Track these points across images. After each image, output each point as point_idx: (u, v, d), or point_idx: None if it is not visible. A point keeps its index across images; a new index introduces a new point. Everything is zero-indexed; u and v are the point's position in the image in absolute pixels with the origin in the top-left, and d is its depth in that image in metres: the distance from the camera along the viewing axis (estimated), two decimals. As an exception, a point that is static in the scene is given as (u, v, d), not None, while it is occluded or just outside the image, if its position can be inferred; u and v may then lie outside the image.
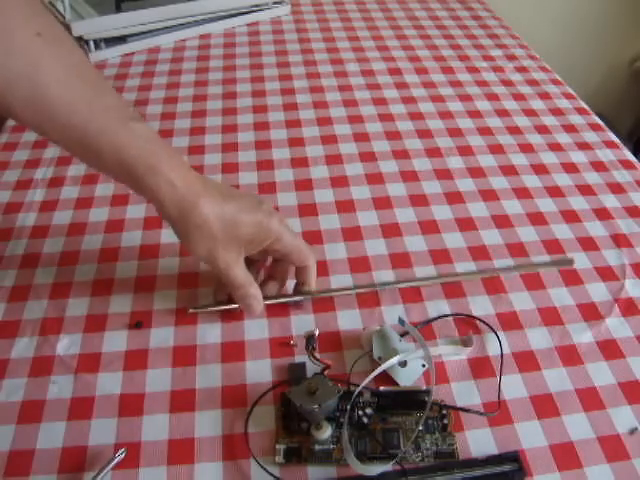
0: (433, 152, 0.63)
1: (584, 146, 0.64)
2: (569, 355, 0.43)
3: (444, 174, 0.60)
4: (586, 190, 0.58)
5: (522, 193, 0.58)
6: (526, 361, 0.43)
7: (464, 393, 0.41)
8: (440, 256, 0.51)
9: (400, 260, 0.51)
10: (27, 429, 0.39)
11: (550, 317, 0.46)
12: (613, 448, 0.38)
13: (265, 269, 0.48)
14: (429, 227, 0.54)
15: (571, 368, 0.43)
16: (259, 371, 0.43)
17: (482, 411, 0.40)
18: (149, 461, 0.38)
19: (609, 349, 0.44)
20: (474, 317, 0.46)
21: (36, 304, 0.47)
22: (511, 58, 0.81)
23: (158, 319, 0.46)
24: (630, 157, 0.63)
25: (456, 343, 0.44)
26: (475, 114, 0.69)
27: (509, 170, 0.61)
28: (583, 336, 0.45)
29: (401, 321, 0.43)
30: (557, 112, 0.70)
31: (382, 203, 0.57)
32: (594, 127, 0.68)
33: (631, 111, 1.52)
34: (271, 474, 0.36)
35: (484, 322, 0.45)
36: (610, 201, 0.57)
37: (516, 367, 0.43)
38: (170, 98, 0.72)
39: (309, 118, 0.69)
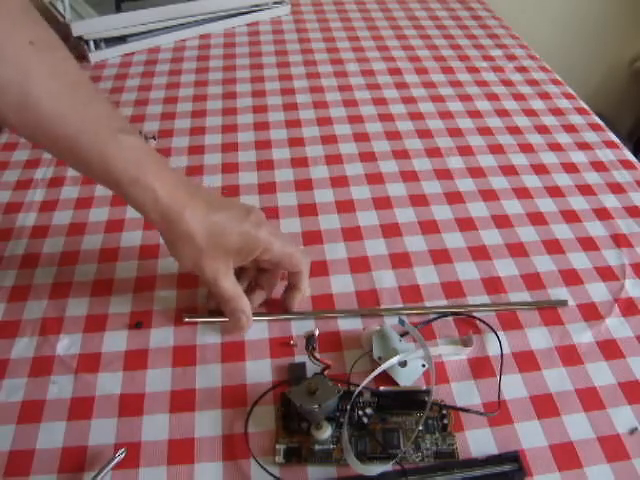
0: (433, 152, 0.63)
1: (584, 146, 0.64)
2: (569, 355, 0.43)
3: (444, 174, 0.60)
4: (586, 190, 0.58)
5: (522, 193, 0.58)
6: (526, 361, 0.43)
7: (464, 393, 0.41)
8: (440, 256, 0.51)
9: (400, 260, 0.51)
10: (27, 429, 0.39)
11: (550, 317, 0.46)
12: (613, 448, 0.38)
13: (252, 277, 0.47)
14: (429, 227, 0.54)
15: (571, 368, 0.43)
16: (259, 371, 0.43)
17: (482, 411, 0.40)
18: (149, 461, 0.38)
19: (609, 349, 0.44)
20: (474, 317, 0.46)
21: (36, 304, 0.47)
22: (511, 58, 0.81)
23: (158, 319, 0.46)
24: (630, 157, 0.63)
25: (456, 343, 0.44)
26: (475, 114, 0.69)
27: (509, 170, 0.61)
28: (583, 336, 0.45)
29: (401, 321, 0.43)
30: (557, 112, 0.70)
31: (382, 203, 0.57)
32: (594, 127, 0.68)
33: (631, 111, 1.52)
34: (271, 474, 0.36)
35: (484, 322, 0.45)
36: (610, 201, 0.57)
37: (516, 367, 0.43)
38: (170, 98, 0.72)
39: (309, 118, 0.69)
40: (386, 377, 0.41)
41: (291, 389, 0.38)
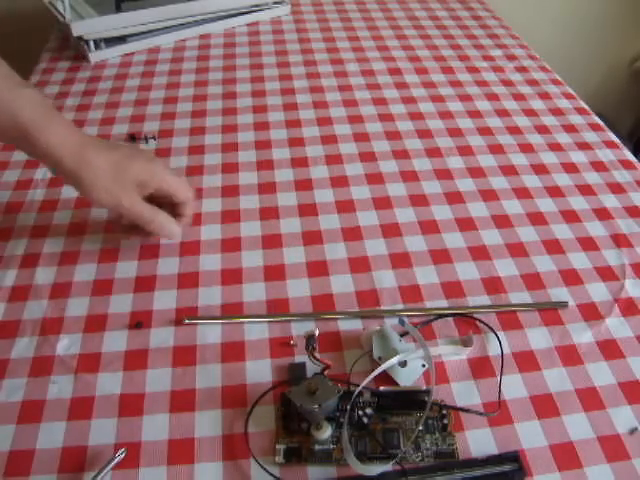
0: (433, 152, 0.63)
1: (584, 146, 0.64)
2: (569, 355, 0.43)
3: (444, 174, 0.60)
4: (586, 190, 0.58)
5: (522, 193, 0.58)
6: (526, 361, 0.43)
7: (464, 393, 0.41)
8: (440, 256, 0.51)
9: (400, 260, 0.51)
10: (27, 429, 0.39)
11: (550, 317, 0.46)
12: (613, 448, 0.38)
13: None
14: (429, 227, 0.54)
15: (571, 368, 0.43)
16: (259, 371, 0.43)
17: (482, 411, 0.40)
18: (149, 461, 0.38)
19: (609, 349, 0.44)
20: (474, 317, 0.46)
21: (36, 304, 0.47)
22: (511, 58, 0.82)
23: (158, 319, 0.46)
24: (630, 157, 0.63)
25: (456, 343, 0.44)
26: (475, 114, 0.69)
27: (509, 170, 0.61)
28: (583, 336, 0.45)
29: (401, 321, 0.43)
30: (557, 112, 0.70)
31: (382, 203, 0.57)
32: (594, 127, 0.68)
33: (631, 111, 1.52)
34: (271, 474, 0.36)
35: (484, 322, 0.45)
36: (610, 201, 0.57)
37: (516, 367, 0.43)
38: (170, 98, 0.72)
39: (309, 118, 0.69)
40: (386, 377, 0.41)
41: (291, 389, 0.38)
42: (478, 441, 0.38)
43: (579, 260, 0.51)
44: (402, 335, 0.44)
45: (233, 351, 0.44)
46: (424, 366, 0.42)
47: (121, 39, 0.82)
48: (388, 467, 0.36)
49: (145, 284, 0.49)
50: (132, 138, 0.65)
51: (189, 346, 0.44)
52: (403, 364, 0.42)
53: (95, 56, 0.80)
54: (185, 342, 0.45)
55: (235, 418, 0.40)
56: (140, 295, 0.48)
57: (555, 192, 0.58)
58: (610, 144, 0.65)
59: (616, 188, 0.59)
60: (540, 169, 0.61)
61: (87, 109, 0.71)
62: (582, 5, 1.33)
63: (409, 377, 0.41)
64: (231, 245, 0.52)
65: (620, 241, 0.53)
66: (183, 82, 0.76)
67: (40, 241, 0.53)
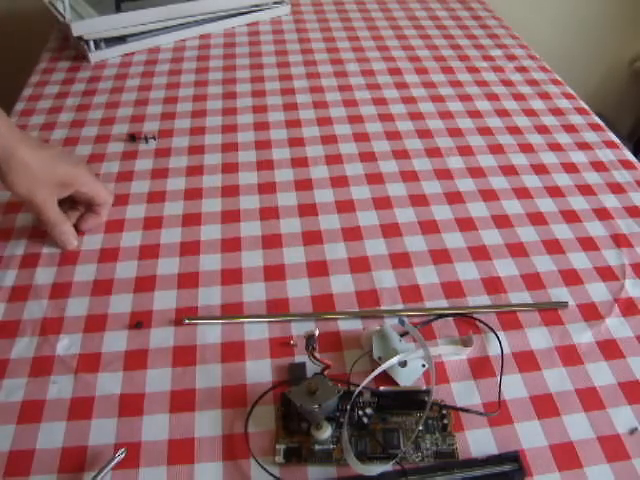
0: (433, 152, 0.63)
1: (584, 146, 0.64)
2: (569, 355, 0.43)
3: (444, 174, 0.60)
4: (586, 190, 0.58)
5: (522, 193, 0.58)
6: (526, 361, 0.43)
7: (464, 393, 0.41)
8: (440, 256, 0.51)
9: (400, 260, 0.51)
10: (27, 429, 0.39)
11: (550, 317, 0.46)
12: (613, 448, 0.38)
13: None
14: (429, 227, 0.54)
15: (571, 368, 0.43)
16: (259, 371, 0.43)
17: (482, 411, 0.40)
18: (149, 461, 0.38)
19: (609, 349, 0.44)
20: (474, 317, 0.46)
21: (36, 304, 0.47)
22: (511, 58, 0.82)
23: (158, 319, 0.46)
24: (630, 157, 0.63)
25: (456, 343, 0.44)
26: (475, 114, 0.69)
27: (509, 170, 0.61)
28: (583, 336, 0.45)
29: (401, 321, 0.43)
30: (557, 112, 0.70)
31: (382, 203, 0.57)
32: (594, 127, 0.68)
33: (631, 111, 1.52)
34: (271, 474, 0.36)
35: (484, 322, 0.45)
36: (610, 201, 0.57)
37: (516, 367, 0.43)
38: (170, 98, 0.72)
39: (309, 118, 0.69)
40: (386, 377, 0.41)
41: (291, 389, 0.38)
42: (478, 441, 0.38)
43: (579, 260, 0.51)
44: (402, 335, 0.44)
45: (233, 351, 0.44)
46: (424, 366, 0.42)
47: (121, 39, 0.82)
48: (388, 467, 0.36)
49: (145, 284, 0.49)
50: (132, 138, 0.65)
51: (189, 346, 0.44)
52: (403, 364, 0.42)
53: (95, 56, 0.80)
54: (185, 342, 0.45)
55: (235, 418, 0.40)
56: (140, 295, 0.48)
57: (555, 192, 0.58)
58: (610, 144, 0.65)
59: (616, 188, 0.59)
60: (540, 169, 0.61)
61: (87, 109, 0.71)
62: (582, 5, 1.33)
63: (409, 377, 0.41)
64: (231, 245, 0.52)
65: (620, 241, 0.53)
66: (183, 82, 0.76)
67: (40, 241, 0.53)
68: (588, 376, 0.42)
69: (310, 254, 0.51)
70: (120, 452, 0.37)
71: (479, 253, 0.51)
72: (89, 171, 0.51)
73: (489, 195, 0.58)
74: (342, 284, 0.49)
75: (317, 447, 0.38)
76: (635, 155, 0.64)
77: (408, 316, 0.46)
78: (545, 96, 0.73)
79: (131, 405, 0.40)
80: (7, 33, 1.13)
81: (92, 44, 0.79)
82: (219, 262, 0.51)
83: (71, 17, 0.78)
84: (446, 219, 0.55)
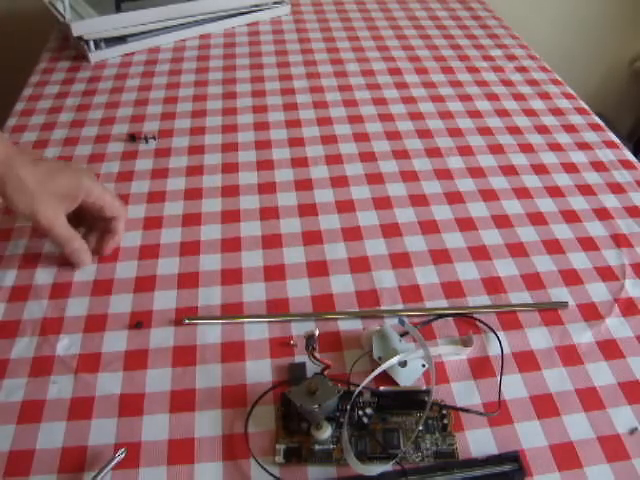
0: (433, 152, 0.63)
1: (584, 146, 0.64)
2: (569, 355, 0.43)
3: (444, 174, 0.60)
4: (586, 190, 0.58)
5: (522, 193, 0.58)
6: (526, 361, 0.43)
7: (464, 393, 0.41)
8: (440, 256, 0.51)
9: (400, 260, 0.51)
10: (27, 429, 0.39)
11: (550, 317, 0.46)
12: (613, 448, 0.38)
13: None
14: (429, 227, 0.54)
15: (571, 368, 0.43)
16: (259, 371, 0.43)
17: (482, 411, 0.40)
18: (149, 461, 0.38)
19: (609, 349, 0.44)
20: (474, 317, 0.46)
21: (36, 304, 0.47)
22: (511, 58, 0.82)
23: (158, 319, 0.46)
24: (630, 157, 0.63)
25: (456, 343, 0.44)
26: (475, 114, 0.69)
27: (509, 170, 0.61)
28: (583, 336, 0.45)
29: (401, 321, 0.43)
30: (557, 112, 0.70)
31: (382, 203, 0.57)
32: (594, 127, 0.68)
33: (631, 111, 1.52)
34: (271, 474, 0.36)
35: (484, 322, 0.45)
36: (610, 201, 0.57)
37: (516, 367, 0.43)
38: (170, 98, 0.72)
39: (309, 118, 0.69)
40: (386, 377, 0.41)
41: (291, 389, 0.38)
42: (478, 441, 0.38)
43: (579, 260, 0.51)
44: (402, 335, 0.44)
45: (233, 351, 0.44)
46: (424, 366, 0.42)
47: (121, 39, 0.82)
48: (388, 467, 0.36)
49: (145, 284, 0.49)
50: (132, 138, 0.65)
51: (189, 346, 0.44)
52: (403, 364, 0.42)
53: (95, 56, 0.80)
54: (185, 342, 0.45)
55: (235, 418, 0.40)
56: (140, 295, 0.48)
57: (555, 192, 0.58)
58: (610, 144, 0.65)
59: (616, 188, 0.59)
60: (540, 169, 0.61)
61: (87, 109, 0.71)
62: (582, 5, 1.33)
63: (409, 377, 0.41)
64: (231, 245, 0.52)
65: (620, 241, 0.53)
66: (183, 82, 0.76)
67: (40, 241, 0.53)
68: (588, 376, 0.42)
69: (310, 254, 0.51)
70: (120, 452, 0.37)
71: (479, 253, 0.51)
72: (93, 180, 0.49)
73: (489, 195, 0.58)
74: (342, 284, 0.49)
75: (317, 447, 0.38)
76: (635, 155, 0.64)
77: (408, 316, 0.46)
78: (545, 96, 0.73)
79: (131, 405, 0.40)
80: (7, 33, 1.13)
81: (92, 44, 0.79)
82: (219, 262, 0.51)
83: (71, 17, 0.78)
84: (446, 219, 0.55)
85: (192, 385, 0.42)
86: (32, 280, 0.49)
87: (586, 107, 0.71)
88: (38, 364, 0.43)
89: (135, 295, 0.48)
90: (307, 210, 0.56)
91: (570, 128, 0.67)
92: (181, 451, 0.38)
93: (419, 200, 0.57)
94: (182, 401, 0.41)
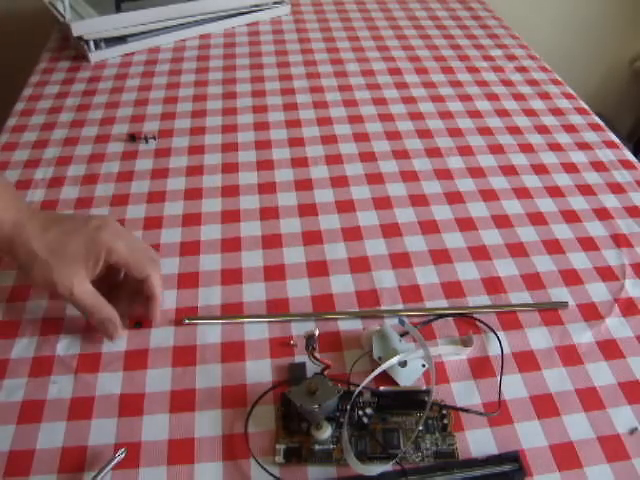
0: (433, 152, 0.63)
1: (584, 146, 0.64)
2: (569, 355, 0.43)
3: (444, 174, 0.60)
4: (586, 190, 0.58)
5: (522, 193, 0.58)
6: (526, 361, 0.43)
7: (464, 393, 0.41)
8: (440, 256, 0.51)
9: (400, 260, 0.51)
10: (27, 429, 0.39)
11: (550, 317, 0.46)
12: (613, 448, 0.38)
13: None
14: (429, 227, 0.54)
15: (571, 368, 0.43)
16: (259, 371, 0.43)
17: (482, 411, 0.40)
18: (149, 461, 0.38)
19: (609, 349, 0.44)
20: (474, 317, 0.46)
21: (36, 304, 0.47)
22: (511, 58, 0.81)
23: (158, 319, 0.46)
24: (630, 157, 0.63)
25: (456, 343, 0.44)
26: (475, 114, 0.69)
27: (509, 170, 0.61)
28: (583, 336, 0.45)
29: (401, 321, 0.43)
30: (557, 112, 0.70)
31: (382, 203, 0.57)
32: (594, 127, 0.68)
33: (631, 111, 1.52)
34: (271, 474, 0.36)
35: (484, 322, 0.45)
36: (610, 201, 0.57)
37: (516, 367, 0.43)
38: (170, 98, 0.72)
39: (309, 118, 0.69)
40: (386, 377, 0.41)
41: (291, 389, 0.38)
42: (478, 441, 0.38)
43: (579, 260, 0.51)
44: (402, 335, 0.44)
45: (233, 351, 0.44)
46: (424, 366, 0.42)
47: (121, 39, 0.82)
48: (388, 467, 0.36)
49: (145, 284, 0.49)
50: (132, 138, 0.65)
51: (189, 346, 0.44)
52: (403, 364, 0.42)
53: (95, 56, 0.80)
54: (185, 342, 0.45)
55: (235, 418, 0.40)
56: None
57: (555, 192, 0.58)
58: (610, 144, 0.65)
59: (616, 188, 0.59)
60: (540, 169, 0.61)
61: (87, 109, 0.71)
62: (582, 5, 1.33)
63: (409, 377, 0.41)
64: (231, 245, 0.52)
65: (620, 241, 0.53)
66: (183, 82, 0.76)
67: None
68: (588, 376, 0.42)
69: (310, 254, 0.51)
70: (120, 452, 0.37)
71: (479, 253, 0.51)
72: (115, 235, 0.42)
73: (489, 195, 0.58)
74: (342, 284, 0.49)
75: (317, 447, 0.38)
76: (635, 155, 0.64)
77: (408, 316, 0.46)
78: (545, 96, 0.73)
79: (131, 405, 0.40)
80: (7, 33, 1.13)
81: (92, 44, 0.79)
82: (219, 262, 0.51)
83: (71, 17, 0.78)
84: (446, 219, 0.55)
85: (192, 385, 0.42)
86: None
87: (586, 107, 0.71)
88: (38, 364, 0.43)
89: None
90: (307, 210, 0.56)
91: (570, 128, 0.67)
92: (181, 451, 0.38)
93: (419, 200, 0.57)
94: (182, 401, 0.41)
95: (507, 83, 0.75)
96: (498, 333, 0.44)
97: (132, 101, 0.72)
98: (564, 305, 0.47)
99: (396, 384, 0.41)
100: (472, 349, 0.44)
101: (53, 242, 0.41)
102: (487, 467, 0.37)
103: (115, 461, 0.37)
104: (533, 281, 0.49)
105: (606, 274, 0.50)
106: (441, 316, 0.46)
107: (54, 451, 0.38)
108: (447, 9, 0.96)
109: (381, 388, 0.40)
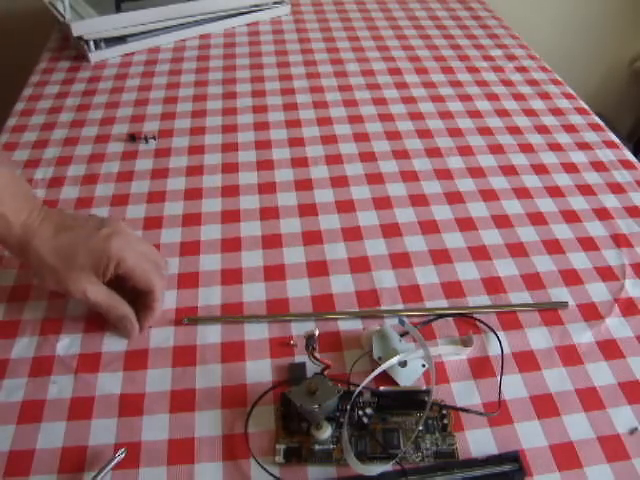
0: (433, 152, 0.63)
1: (584, 146, 0.64)
2: (569, 355, 0.43)
3: (444, 174, 0.60)
4: (586, 190, 0.58)
5: (522, 193, 0.58)
6: (526, 361, 0.43)
7: (464, 393, 0.41)
8: (440, 256, 0.51)
9: (400, 260, 0.51)
10: (27, 429, 0.39)
11: (550, 317, 0.46)
12: (613, 448, 0.38)
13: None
14: (429, 227, 0.54)
15: (571, 368, 0.43)
16: (259, 371, 0.43)
17: (482, 411, 0.40)
18: (149, 461, 0.38)
19: (609, 349, 0.44)
20: (474, 317, 0.46)
21: (36, 304, 0.47)
22: (511, 58, 0.82)
23: (158, 319, 0.46)
24: (630, 157, 0.63)
25: (456, 343, 0.44)
26: (475, 114, 0.69)
27: (509, 170, 0.61)
28: (583, 336, 0.45)
29: (401, 321, 0.43)
30: (557, 112, 0.70)
31: (382, 203, 0.57)
32: (594, 127, 0.68)
33: (631, 111, 1.52)
34: (271, 474, 0.36)
35: (484, 322, 0.45)
36: (610, 201, 0.57)
37: (516, 367, 0.43)
38: (170, 98, 0.72)
39: (309, 118, 0.69)
40: (386, 377, 0.41)
41: (291, 389, 0.37)
42: (478, 441, 0.38)
43: (579, 260, 0.51)
44: (402, 335, 0.44)
45: (233, 351, 0.44)
46: (424, 366, 0.42)
47: (121, 39, 0.82)
48: (388, 467, 0.36)
49: (145, 284, 0.49)
50: (132, 138, 0.65)
51: (189, 346, 0.44)
52: (403, 364, 0.42)
53: (95, 56, 0.80)
54: (185, 342, 0.45)
55: (235, 418, 0.40)
56: (140, 295, 0.48)
57: (555, 192, 0.58)
58: (610, 144, 0.65)
59: (616, 188, 0.59)
60: (540, 169, 0.61)
61: (87, 109, 0.71)
62: (582, 5, 1.33)
63: (409, 377, 0.41)
64: (231, 245, 0.52)
65: (620, 241, 0.53)
66: (183, 82, 0.76)
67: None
68: (588, 376, 0.42)
69: (310, 254, 0.51)
70: (120, 452, 0.37)
71: (479, 253, 0.51)
72: (126, 244, 0.42)
73: (489, 195, 0.58)
74: (342, 284, 0.49)
75: (317, 447, 0.38)
76: (635, 155, 0.64)
77: (408, 316, 0.46)
78: (545, 96, 0.73)
79: (131, 405, 0.40)
80: (7, 33, 1.13)
81: (92, 44, 0.79)
82: (219, 262, 0.51)
83: (71, 17, 0.78)
84: (446, 219, 0.55)
85: (192, 385, 0.42)
86: (32, 280, 0.49)
87: (586, 107, 0.71)
88: (38, 364, 0.43)
89: (135, 295, 0.48)
90: (307, 210, 0.56)
91: (570, 128, 0.67)
92: (181, 451, 0.38)
93: (419, 200, 0.57)
94: (182, 401, 0.41)
95: (507, 83, 0.76)
96: (498, 333, 0.44)
97: (132, 101, 0.72)
98: (564, 305, 0.47)
99: (396, 384, 0.41)
100: (472, 349, 0.44)
101: (64, 251, 0.41)
102: (487, 467, 0.37)
103: (115, 461, 0.37)
104: (533, 281, 0.49)
105: (606, 274, 0.50)
106: (441, 316, 0.46)
107: (54, 451, 0.38)
108: (447, 9, 0.96)
109: (381, 388, 0.40)
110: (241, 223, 0.55)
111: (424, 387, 0.41)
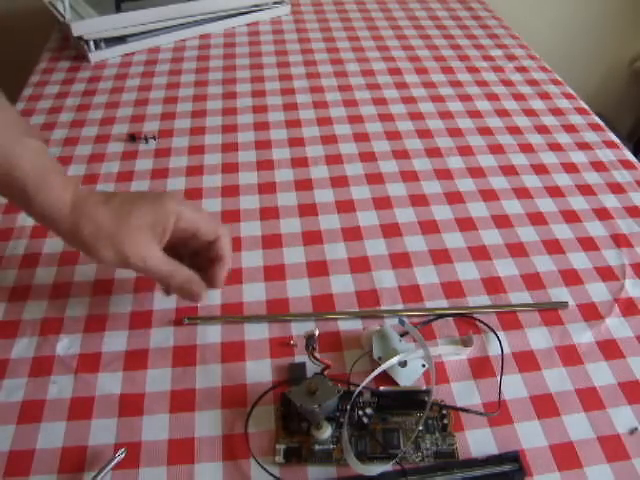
0: (433, 152, 0.63)
1: (584, 146, 0.64)
2: (569, 355, 0.43)
3: (444, 174, 0.60)
4: (586, 190, 0.58)
5: (522, 193, 0.58)
6: (526, 361, 0.43)
7: (464, 393, 0.41)
8: (440, 256, 0.51)
9: (400, 260, 0.51)
10: (27, 429, 0.39)
11: (550, 317, 0.46)
12: (613, 448, 0.38)
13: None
14: (429, 227, 0.54)
15: (571, 368, 0.43)
16: (259, 371, 0.43)
17: (482, 411, 0.40)
18: (149, 461, 0.38)
19: (609, 349, 0.44)
20: (474, 317, 0.46)
21: (36, 304, 0.47)
22: (511, 58, 0.82)
23: (158, 319, 0.46)
24: (630, 157, 0.63)
25: (456, 343, 0.44)
26: (475, 114, 0.69)
27: (509, 170, 0.61)
28: (583, 336, 0.45)
29: (401, 321, 0.43)
30: (557, 112, 0.70)
31: (382, 203, 0.57)
32: (594, 127, 0.68)
33: (631, 111, 1.52)
34: (271, 474, 0.36)
35: (484, 322, 0.45)
36: (610, 201, 0.57)
37: (516, 367, 0.43)
38: (170, 98, 0.72)
39: (309, 118, 0.69)
40: (386, 377, 0.41)
41: (291, 389, 0.37)
42: (478, 441, 0.38)
43: (579, 260, 0.51)
44: (402, 335, 0.44)
45: (233, 351, 0.44)
46: (424, 366, 0.42)
47: (121, 39, 0.82)
48: (388, 467, 0.36)
49: (145, 284, 0.49)
50: (132, 138, 0.65)
51: (189, 346, 0.44)
52: (403, 364, 0.42)
53: (95, 56, 0.80)
54: (185, 342, 0.45)
55: (235, 418, 0.40)
56: (140, 295, 0.48)
57: (555, 192, 0.58)
58: (610, 144, 0.65)
59: (616, 188, 0.59)
60: (540, 169, 0.61)
61: (87, 109, 0.71)
62: (582, 5, 1.33)
63: (409, 377, 0.41)
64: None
65: (620, 241, 0.53)
66: (183, 82, 0.76)
67: (40, 241, 0.53)
68: (588, 376, 0.42)
69: (310, 254, 0.51)
70: (120, 452, 0.37)
71: (479, 253, 0.51)
72: (180, 201, 0.40)
73: (489, 195, 0.58)
74: (342, 284, 0.49)
75: (317, 447, 0.38)
76: (635, 155, 0.64)
77: (408, 316, 0.46)
78: (545, 96, 0.73)
79: (131, 405, 0.40)
80: (7, 33, 1.13)
81: (92, 44, 0.79)
82: (219, 262, 0.51)
83: (71, 17, 0.78)
84: (446, 219, 0.55)
85: (192, 385, 0.42)
86: (32, 280, 0.49)
87: (586, 107, 0.71)
88: (38, 364, 0.43)
89: (135, 295, 0.48)
90: (307, 210, 0.56)
91: (570, 128, 0.67)
92: (181, 451, 0.38)
93: (419, 200, 0.57)
94: (182, 401, 0.41)
95: (507, 83, 0.76)
96: (498, 333, 0.44)
97: (132, 101, 0.72)
98: (564, 305, 0.47)
99: (396, 384, 0.41)
100: (472, 349, 0.44)
101: (117, 211, 0.39)
102: (487, 467, 0.37)
103: (115, 461, 0.37)
104: (533, 281, 0.49)
105: (606, 274, 0.50)
106: (441, 316, 0.46)
107: (54, 451, 0.38)
108: (447, 9, 0.96)
109: (381, 388, 0.40)
110: (241, 223, 0.55)
111: (424, 387, 0.41)
